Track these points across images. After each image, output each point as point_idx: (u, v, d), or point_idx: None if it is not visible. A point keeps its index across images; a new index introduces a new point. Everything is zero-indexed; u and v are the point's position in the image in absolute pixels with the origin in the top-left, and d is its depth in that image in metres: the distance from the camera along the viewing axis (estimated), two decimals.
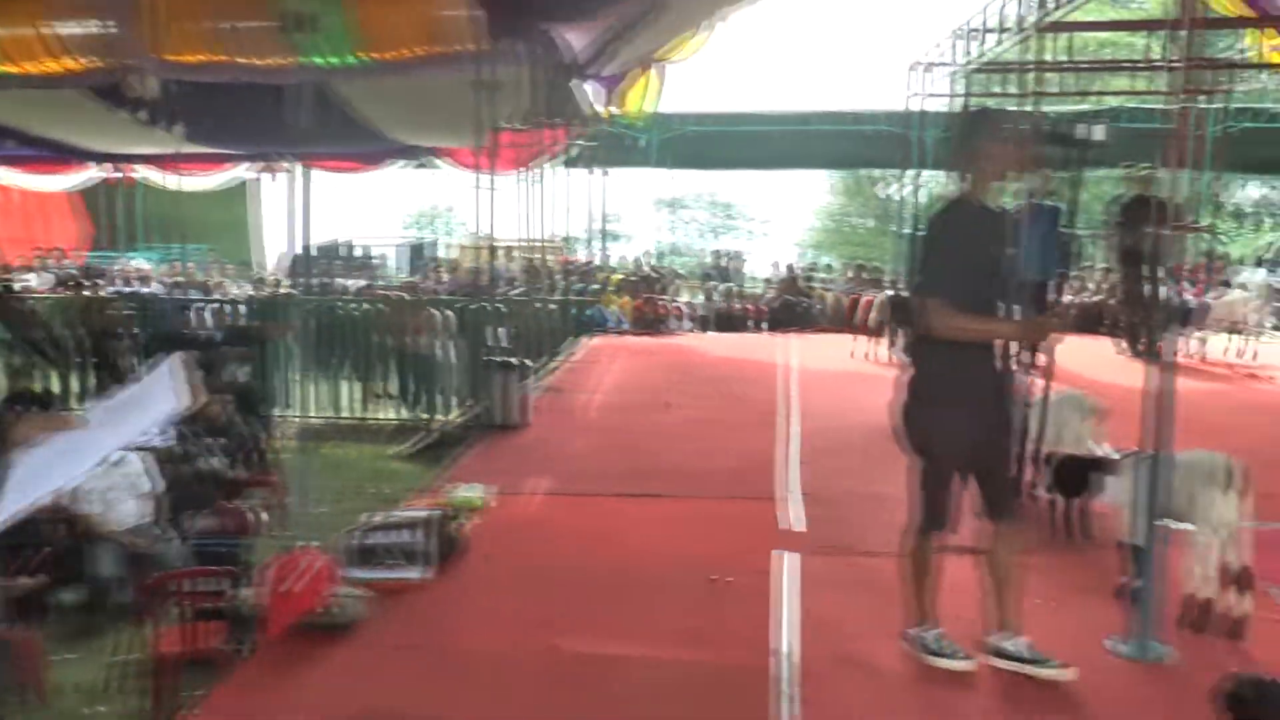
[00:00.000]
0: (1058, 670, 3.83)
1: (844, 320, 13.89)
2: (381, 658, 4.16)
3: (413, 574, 4.87)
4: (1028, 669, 3.86)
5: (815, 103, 26.59)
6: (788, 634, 4.30)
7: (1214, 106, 14.27)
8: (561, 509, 6.16)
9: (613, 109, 14.00)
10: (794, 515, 5.89)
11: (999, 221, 3.90)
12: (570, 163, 14.18)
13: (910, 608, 4.05)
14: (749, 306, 15.81)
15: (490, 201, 8.82)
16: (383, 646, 4.25)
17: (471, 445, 7.75)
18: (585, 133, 13.34)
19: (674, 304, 15.93)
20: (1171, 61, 3.99)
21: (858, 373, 10.42)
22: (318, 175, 14.57)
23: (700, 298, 16.68)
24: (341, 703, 3.83)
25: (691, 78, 30.92)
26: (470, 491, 6.05)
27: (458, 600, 4.76)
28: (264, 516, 5.84)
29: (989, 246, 3.77)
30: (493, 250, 10.16)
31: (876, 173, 27.11)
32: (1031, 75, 8.54)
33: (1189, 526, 4.38)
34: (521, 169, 10.78)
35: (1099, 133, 4.10)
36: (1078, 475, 5.17)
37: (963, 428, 3.79)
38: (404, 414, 9.43)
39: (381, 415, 9.59)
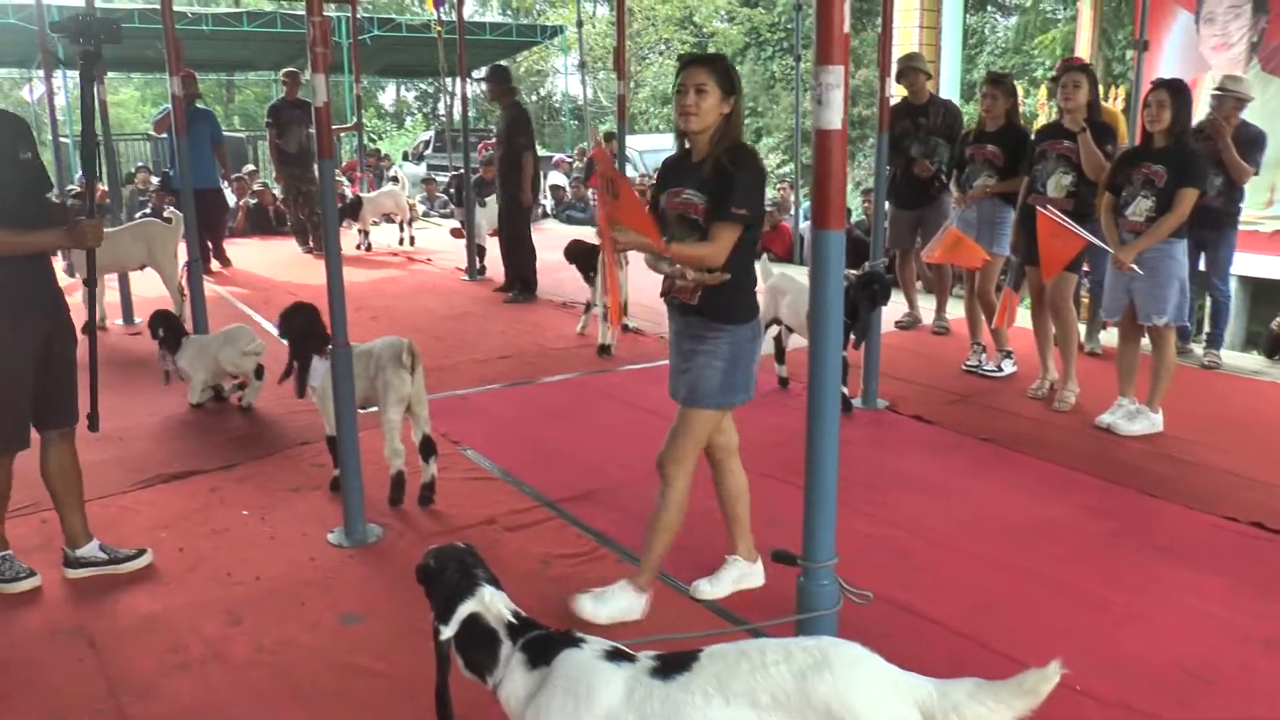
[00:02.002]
0: (137, 560, 4.05)
1: None
2: None
3: None
4: (114, 569, 4.01)
5: None
6: None
7: (344, 15, 14.95)
8: None
9: None
10: None
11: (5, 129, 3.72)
12: None
13: None
14: None
15: None
16: None
17: None
18: None
19: None
20: None
21: None
22: None
23: None
24: None
25: None
26: None
27: None
28: None
29: (6, 157, 3.62)
30: None
31: (15, 73, 24.12)
32: None
33: (376, 410, 4.66)
34: None
35: (108, 29, 4.05)
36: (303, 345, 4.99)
37: (21, 337, 3.71)
38: None
39: None
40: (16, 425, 3.80)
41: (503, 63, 17.40)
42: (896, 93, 7.47)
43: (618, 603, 3.58)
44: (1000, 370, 6.58)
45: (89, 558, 4.03)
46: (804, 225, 11.51)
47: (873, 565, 3.95)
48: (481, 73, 30.15)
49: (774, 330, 6.33)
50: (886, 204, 7.00)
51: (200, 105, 10.92)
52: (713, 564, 3.89)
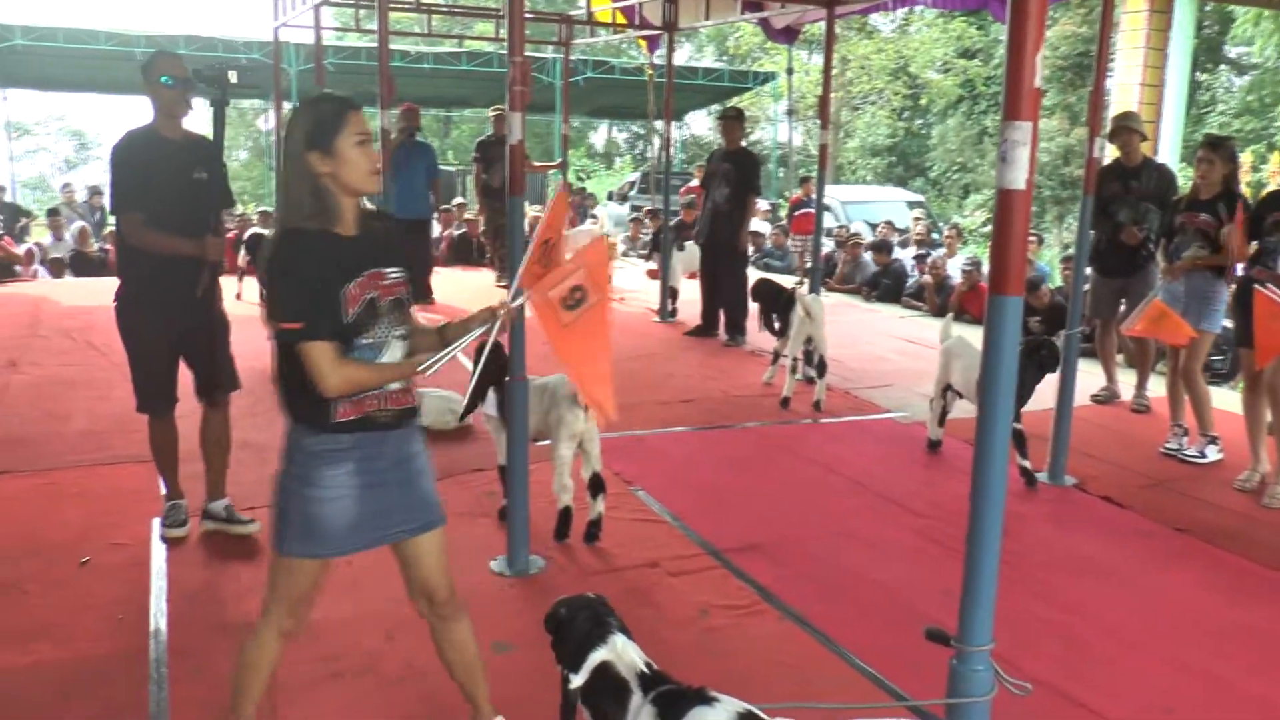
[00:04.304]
0: (248, 526, 4.66)
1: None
2: None
3: None
4: (226, 527, 4.67)
5: (178, 27, 24.86)
6: (156, 609, 3.99)
7: (556, 57, 15.39)
8: None
9: None
10: None
11: (180, 151, 4.35)
12: None
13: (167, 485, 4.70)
14: (109, 248, 14.17)
15: None
16: None
17: None
18: None
19: (21, 247, 14.04)
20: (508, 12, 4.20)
21: (237, 315, 9.93)
22: None
23: (50, 238, 14.90)
24: None
25: None
26: None
27: None
28: None
29: (169, 173, 4.27)
30: None
31: (258, 103, 25.98)
32: (390, 13, 8.55)
33: (550, 443, 4.72)
34: None
35: (234, 76, 4.57)
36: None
37: (161, 322, 4.41)
38: None
39: None
40: (153, 394, 4.53)
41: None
42: (1109, 153, 7.16)
43: None
44: (1203, 456, 6.16)
45: (215, 511, 4.71)
46: None
47: (1042, 650, 3.76)
48: (694, 115, 30.59)
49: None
50: (1089, 270, 6.69)
51: (420, 139, 11.42)
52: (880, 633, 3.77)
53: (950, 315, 7.53)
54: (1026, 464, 5.59)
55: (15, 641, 3.75)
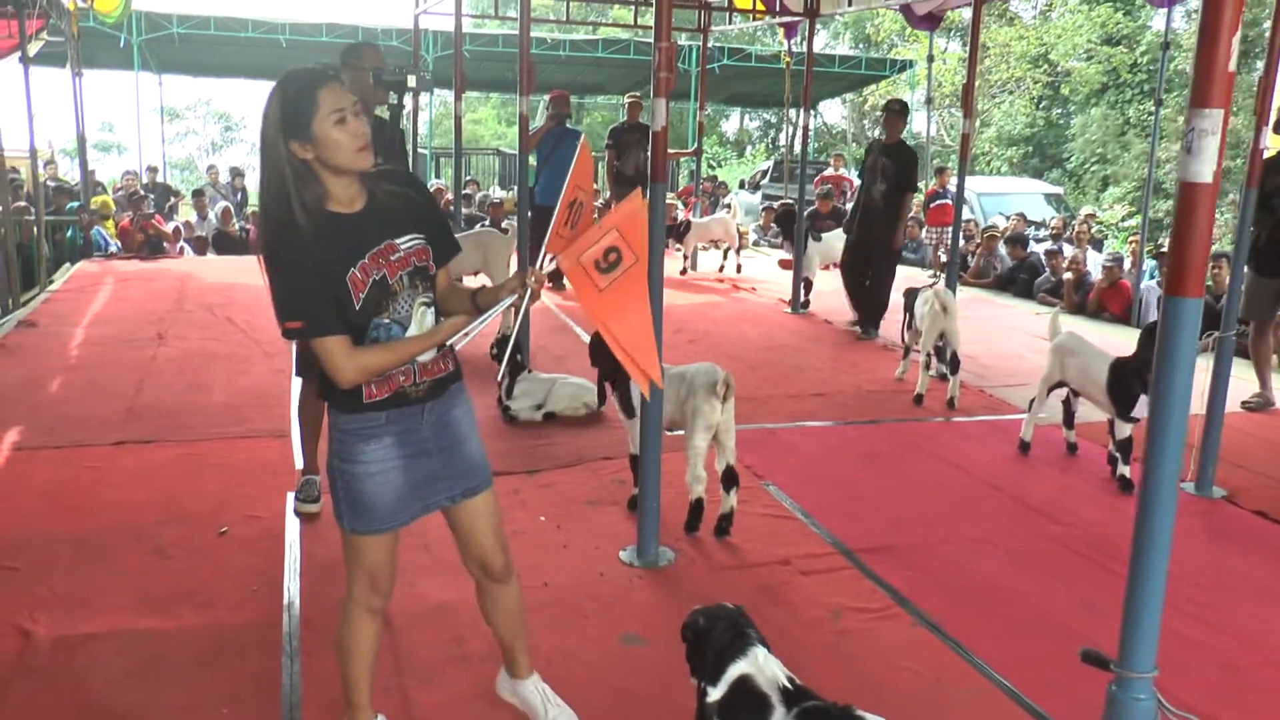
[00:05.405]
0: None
1: None
2: None
3: None
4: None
5: (320, 15, 25.54)
6: (290, 582, 4.09)
7: (694, 44, 15.29)
8: (29, 465, 5.33)
9: (82, 2, 12.52)
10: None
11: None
12: (34, 61, 12.48)
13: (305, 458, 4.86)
14: (250, 227, 14.70)
15: None
16: None
17: None
18: (47, 26, 11.73)
19: (170, 225, 14.63)
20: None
21: None
22: None
23: (196, 216, 15.49)
24: None
25: None
26: None
27: None
28: None
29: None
30: None
31: None
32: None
33: (683, 433, 4.67)
34: None
35: (413, 80, 4.72)
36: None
37: None
38: None
39: None
40: (309, 360, 4.39)
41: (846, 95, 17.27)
42: (1271, 144, 6.77)
43: None
44: None
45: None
46: (1144, 285, 10.71)
47: (1195, 677, 3.56)
48: (827, 104, 30.17)
49: (1060, 392, 5.91)
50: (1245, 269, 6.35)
51: (570, 126, 11.47)
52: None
53: (1057, 310, 7.26)
54: (1127, 472, 5.33)
55: (161, 604, 3.88)
